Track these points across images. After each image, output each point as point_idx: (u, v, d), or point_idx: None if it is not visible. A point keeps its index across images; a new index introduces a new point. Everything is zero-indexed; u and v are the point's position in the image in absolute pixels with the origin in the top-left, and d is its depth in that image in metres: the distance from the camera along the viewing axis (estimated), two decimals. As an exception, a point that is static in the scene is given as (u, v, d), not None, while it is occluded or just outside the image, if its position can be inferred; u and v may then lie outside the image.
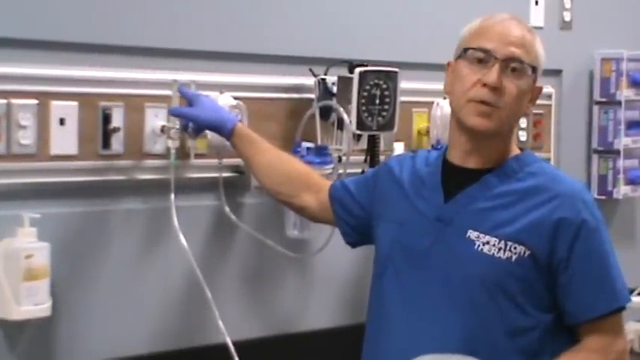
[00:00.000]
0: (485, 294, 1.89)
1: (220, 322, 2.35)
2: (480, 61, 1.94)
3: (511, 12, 2.05)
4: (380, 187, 2.13)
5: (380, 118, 2.57)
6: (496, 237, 1.90)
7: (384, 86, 2.55)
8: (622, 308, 1.98)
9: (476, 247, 1.91)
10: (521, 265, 1.89)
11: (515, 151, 2.02)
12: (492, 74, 1.92)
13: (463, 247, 1.91)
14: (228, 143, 2.39)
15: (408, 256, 1.97)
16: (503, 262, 1.89)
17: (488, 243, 1.91)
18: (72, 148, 2.25)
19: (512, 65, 1.93)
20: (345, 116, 2.49)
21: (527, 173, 1.97)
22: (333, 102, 2.54)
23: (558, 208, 1.91)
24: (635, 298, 3.13)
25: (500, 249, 1.90)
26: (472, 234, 1.92)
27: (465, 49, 1.98)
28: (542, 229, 1.90)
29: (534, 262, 1.90)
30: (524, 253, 1.89)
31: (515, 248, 1.89)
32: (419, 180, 2.04)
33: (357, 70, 2.53)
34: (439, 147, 2.07)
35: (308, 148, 2.48)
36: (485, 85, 1.92)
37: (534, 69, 1.97)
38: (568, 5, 3.29)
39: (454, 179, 1.99)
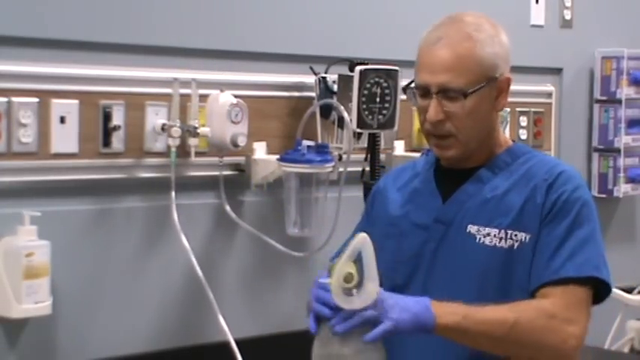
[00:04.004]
0: (491, 285, 1.88)
1: (222, 320, 2.35)
2: (422, 95, 1.92)
3: (480, 12, 2.00)
4: (376, 210, 2.10)
5: (380, 117, 2.57)
6: (496, 227, 1.90)
7: (385, 84, 2.55)
8: (591, 281, 1.86)
9: (477, 240, 1.90)
10: (524, 251, 1.88)
11: (506, 144, 2.00)
12: (430, 110, 1.89)
13: (465, 242, 1.91)
14: (228, 142, 2.40)
15: (411, 269, 1.95)
16: (505, 251, 1.88)
17: (489, 235, 1.91)
18: (72, 147, 2.25)
19: (447, 94, 1.89)
20: (345, 114, 2.49)
21: (520, 164, 1.96)
22: (334, 100, 2.54)
23: (549, 189, 1.90)
24: (636, 297, 3.13)
25: (501, 239, 1.90)
26: (472, 229, 1.92)
27: (409, 86, 1.97)
28: (536, 212, 1.89)
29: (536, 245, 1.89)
30: (526, 238, 1.89)
31: (515, 236, 1.89)
32: (413, 191, 2.03)
33: (358, 68, 2.53)
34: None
35: (308, 147, 2.48)
36: None
37: (473, 90, 1.87)
38: (568, 4, 3.29)
39: (449, 181, 1.98)
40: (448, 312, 1.78)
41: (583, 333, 1.85)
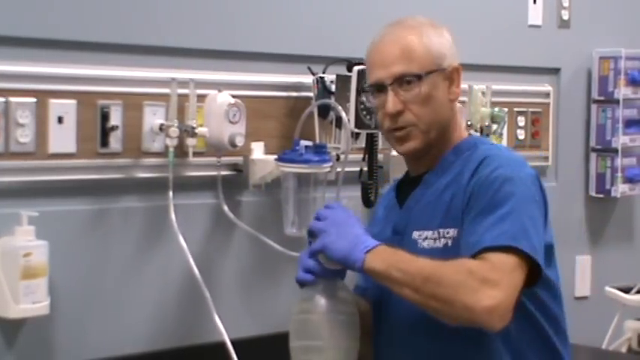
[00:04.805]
0: None
1: (218, 321, 2.35)
2: (378, 92, 1.95)
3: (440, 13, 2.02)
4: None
5: (378, 117, 2.57)
6: (431, 229, 1.90)
7: (383, 84, 2.55)
8: (512, 250, 1.77)
9: (419, 245, 1.91)
10: (457, 246, 1.86)
11: (458, 140, 1.98)
12: (389, 103, 1.92)
13: (411, 249, 1.90)
14: (226, 142, 2.40)
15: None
16: (440, 251, 1.87)
17: (427, 238, 1.91)
18: (70, 147, 2.25)
19: (405, 80, 1.92)
20: (343, 115, 2.49)
21: (463, 159, 1.93)
22: (332, 100, 2.54)
23: (471, 178, 1.88)
24: (633, 297, 3.13)
25: (435, 239, 1.90)
26: (415, 234, 1.93)
27: (364, 88, 1.99)
28: (460, 204, 1.87)
29: None
30: (455, 232, 1.88)
31: (448, 233, 1.87)
32: (388, 207, 2.05)
33: (356, 68, 2.52)
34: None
35: (306, 147, 2.47)
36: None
37: (427, 73, 1.91)
38: (566, 4, 3.29)
39: (409, 190, 2.00)
40: (380, 258, 1.79)
41: (503, 298, 1.72)
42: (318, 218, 1.89)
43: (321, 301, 1.86)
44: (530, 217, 1.82)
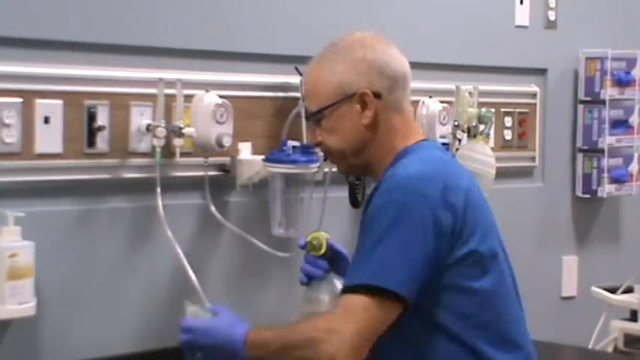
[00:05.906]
0: None
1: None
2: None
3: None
4: None
5: (366, 117, 2.56)
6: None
7: (370, 85, 2.55)
8: (368, 289, 1.80)
9: None
10: None
11: (398, 152, 1.97)
12: (309, 136, 2.04)
13: None
14: (213, 142, 2.39)
15: None
16: None
17: None
18: (57, 147, 2.24)
19: (311, 117, 1.98)
20: (330, 115, 2.48)
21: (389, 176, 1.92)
22: (319, 101, 2.54)
23: (368, 202, 1.92)
24: (619, 297, 3.14)
25: None
26: None
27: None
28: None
29: None
30: None
31: None
32: None
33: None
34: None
35: (294, 147, 2.48)
36: None
37: (325, 108, 1.94)
38: (553, 4, 3.30)
39: None
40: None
41: (345, 344, 1.77)
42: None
43: (320, 303, 1.91)
44: (401, 244, 1.81)
